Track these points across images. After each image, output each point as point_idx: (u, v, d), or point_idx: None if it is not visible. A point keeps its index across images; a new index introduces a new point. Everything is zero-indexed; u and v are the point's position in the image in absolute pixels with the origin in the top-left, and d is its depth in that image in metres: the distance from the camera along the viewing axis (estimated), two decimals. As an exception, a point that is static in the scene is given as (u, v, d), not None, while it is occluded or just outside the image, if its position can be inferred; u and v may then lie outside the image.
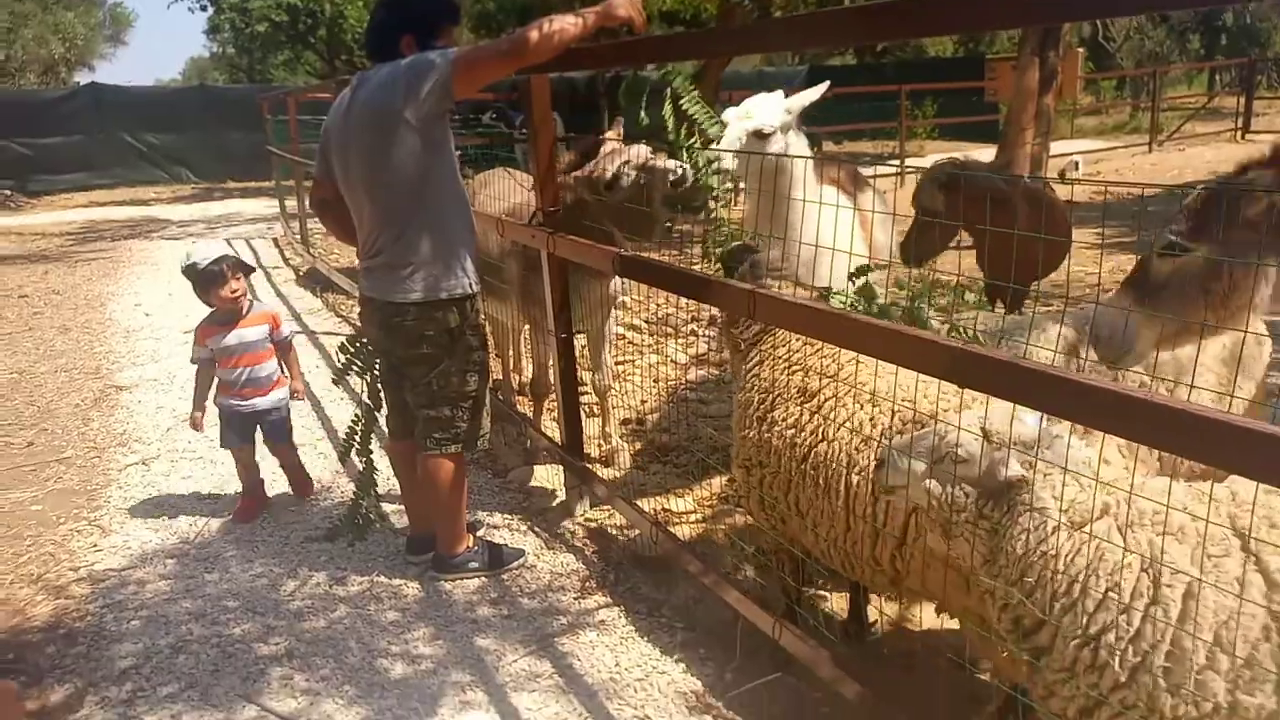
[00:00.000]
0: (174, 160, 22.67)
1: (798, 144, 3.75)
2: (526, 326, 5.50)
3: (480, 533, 4.07)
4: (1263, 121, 22.44)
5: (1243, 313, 2.25)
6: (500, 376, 5.93)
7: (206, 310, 4.34)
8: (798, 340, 2.85)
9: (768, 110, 3.64)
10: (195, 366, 4.36)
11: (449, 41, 3.42)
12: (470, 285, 3.46)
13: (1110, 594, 1.83)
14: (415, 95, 3.17)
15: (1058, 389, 1.72)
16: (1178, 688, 1.76)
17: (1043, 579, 1.90)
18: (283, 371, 4.45)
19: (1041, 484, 1.95)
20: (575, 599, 3.60)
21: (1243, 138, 21.02)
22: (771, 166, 3.53)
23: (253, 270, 4.50)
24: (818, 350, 2.80)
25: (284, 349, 4.43)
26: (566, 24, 3.05)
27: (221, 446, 4.46)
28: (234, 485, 4.80)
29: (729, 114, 3.71)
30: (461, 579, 3.72)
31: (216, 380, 4.33)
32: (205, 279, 4.17)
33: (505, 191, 4.91)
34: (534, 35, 3.04)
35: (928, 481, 2.06)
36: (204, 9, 28.10)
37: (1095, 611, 1.84)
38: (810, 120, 3.91)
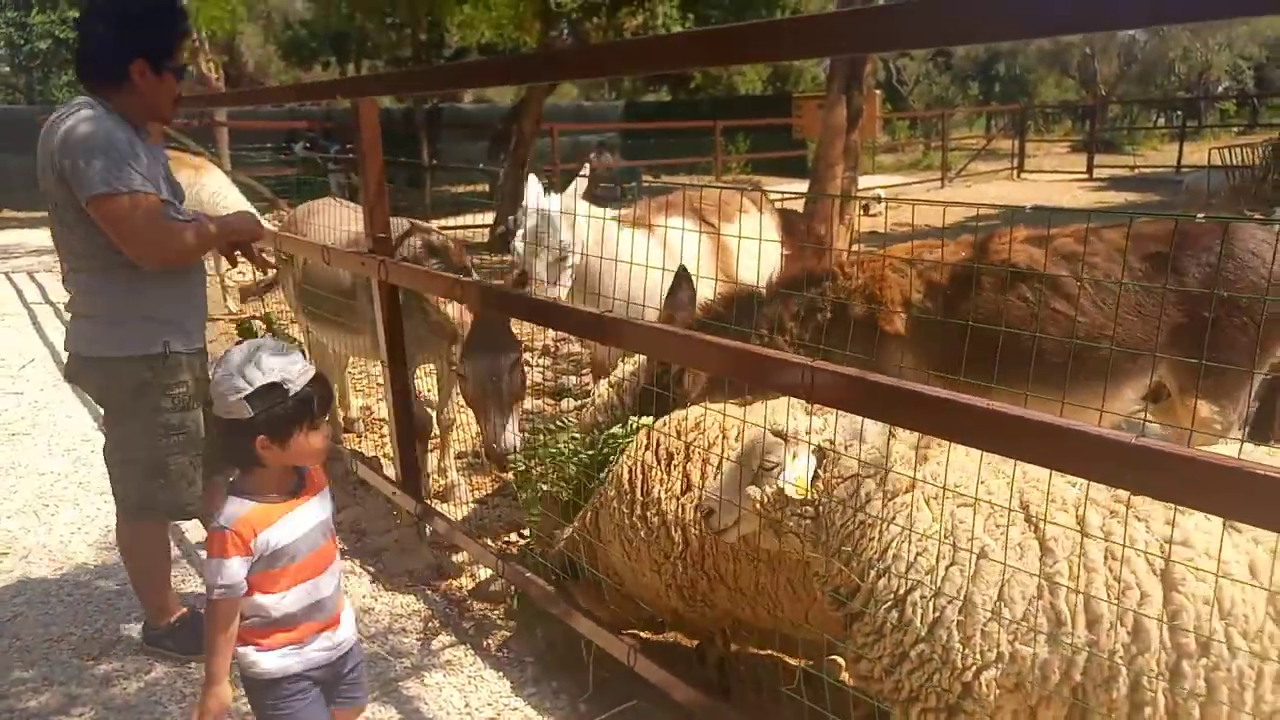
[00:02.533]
0: (-63, 187, 20.52)
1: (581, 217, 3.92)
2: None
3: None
4: (1033, 162, 24.79)
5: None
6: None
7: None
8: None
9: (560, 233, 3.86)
10: (217, 596, 2.13)
11: (180, 58, 3.08)
12: (166, 345, 3.06)
13: (919, 558, 2.03)
14: (72, 185, 2.84)
15: (901, 400, 1.80)
16: (968, 639, 1.96)
17: (860, 546, 2.09)
18: None
19: (848, 458, 2.11)
20: (418, 640, 3.44)
21: (1019, 176, 23.12)
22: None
23: None
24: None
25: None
26: (189, 239, 3.03)
27: None
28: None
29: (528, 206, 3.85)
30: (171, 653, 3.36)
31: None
32: (296, 413, 2.16)
33: (337, 221, 4.70)
34: (184, 238, 2.99)
35: (752, 498, 2.17)
36: (-27, 23, 25.75)
37: (906, 573, 2.03)
38: (628, 154, 4.05)
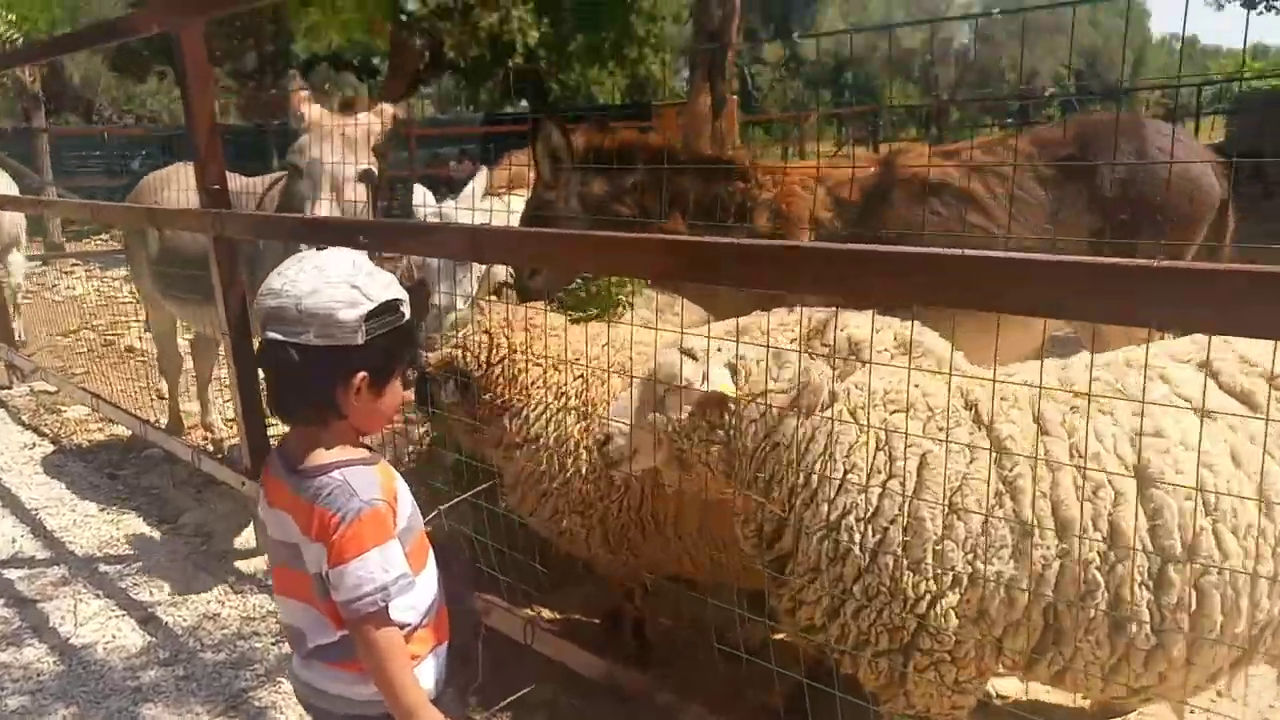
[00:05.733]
0: None
1: None
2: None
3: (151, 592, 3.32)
4: (888, 162, 25.61)
5: None
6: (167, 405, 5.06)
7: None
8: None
9: None
10: (393, 596, 1.48)
11: None
12: None
13: (849, 475, 1.74)
14: None
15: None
16: (918, 563, 1.67)
17: (777, 472, 1.79)
18: None
19: (758, 372, 1.84)
20: (273, 643, 2.97)
21: (874, 175, 23.80)
22: None
23: None
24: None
25: None
26: None
27: None
28: None
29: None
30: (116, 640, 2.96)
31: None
32: (404, 346, 1.63)
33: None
34: None
35: (655, 422, 1.88)
36: None
37: (835, 496, 1.74)
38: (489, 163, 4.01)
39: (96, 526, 4.01)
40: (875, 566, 1.69)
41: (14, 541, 3.84)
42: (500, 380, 2.35)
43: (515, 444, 2.35)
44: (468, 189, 3.72)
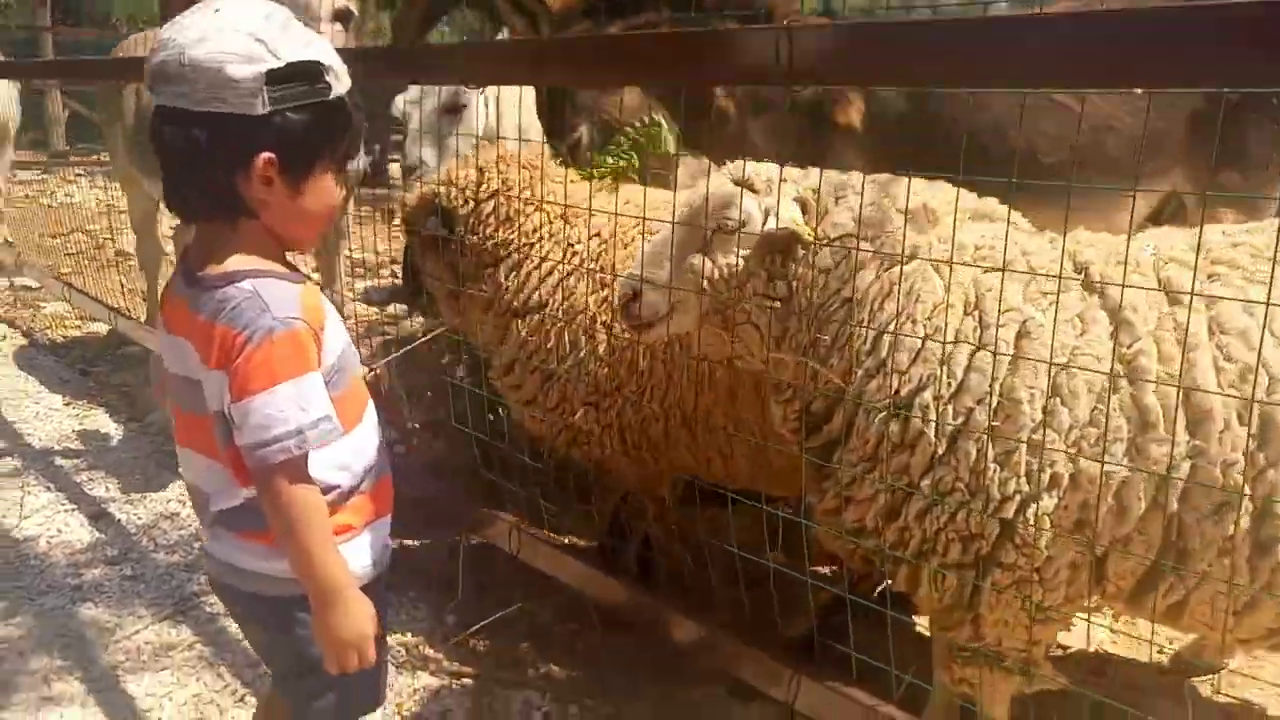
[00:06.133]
0: None
1: None
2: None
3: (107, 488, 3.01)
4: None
5: None
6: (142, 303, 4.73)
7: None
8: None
9: None
10: (310, 442, 1.15)
11: None
12: None
13: (929, 342, 1.38)
14: None
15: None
16: (1009, 456, 1.32)
17: (841, 335, 1.45)
18: None
19: (837, 208, 1.49)
20: (234, 547, 2.66)
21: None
22: None
23: None
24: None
25: None
26: None
27: None
28: None
29: None
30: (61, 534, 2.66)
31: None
32: (332, 126, 1.22)
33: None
34: None
35: (699, 268, 1.53)
36: None
37: (910, 366, 1.39)
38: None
39: (59, 420, 3.71)
40: (952, 456, 1.35)
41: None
42: (491, 220, 1.97)
43: (513, 310, 1.98)
44: None
